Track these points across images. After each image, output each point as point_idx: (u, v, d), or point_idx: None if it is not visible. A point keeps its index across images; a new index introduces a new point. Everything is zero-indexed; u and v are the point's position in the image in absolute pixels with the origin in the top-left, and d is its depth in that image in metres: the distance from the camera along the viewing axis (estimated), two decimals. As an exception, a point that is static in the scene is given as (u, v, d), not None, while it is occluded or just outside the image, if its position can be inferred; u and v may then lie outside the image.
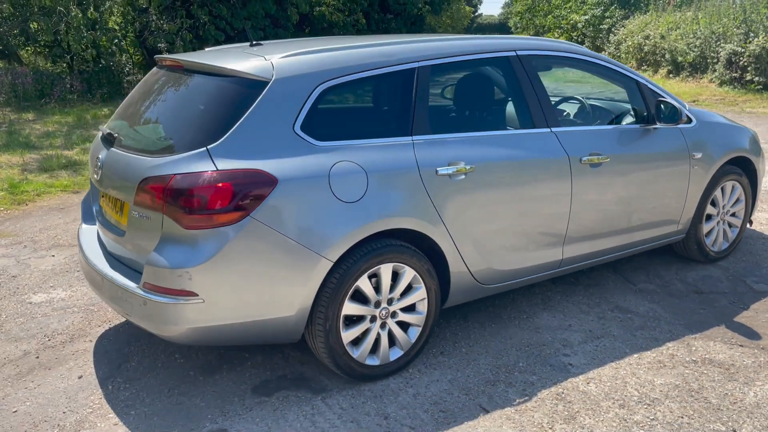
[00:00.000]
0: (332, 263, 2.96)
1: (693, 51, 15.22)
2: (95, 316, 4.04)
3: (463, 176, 3.30)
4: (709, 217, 4.63)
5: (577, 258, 3.93)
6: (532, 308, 4.07)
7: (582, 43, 23.16)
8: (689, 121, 4.26)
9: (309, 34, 17.34)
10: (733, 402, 3.05)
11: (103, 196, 3.36)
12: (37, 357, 3.60)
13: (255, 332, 2.97)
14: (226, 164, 2.80)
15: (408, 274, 3.22)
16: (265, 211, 2.82)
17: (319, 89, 3.05)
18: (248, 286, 2.87)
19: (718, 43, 14.37)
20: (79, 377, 3.38)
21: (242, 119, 2.88)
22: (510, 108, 3.76)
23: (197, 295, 2.79)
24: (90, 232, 3.63)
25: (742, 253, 4.96)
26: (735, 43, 13.71)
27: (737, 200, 4.77)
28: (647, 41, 17.20)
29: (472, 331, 3.77)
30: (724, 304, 4.12)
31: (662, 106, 4.06)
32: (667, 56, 16.28)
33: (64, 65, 14.56)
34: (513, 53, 3.69)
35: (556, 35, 28.76)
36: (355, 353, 3.16)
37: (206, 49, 3.93)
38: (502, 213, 3.48)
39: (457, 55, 3.51)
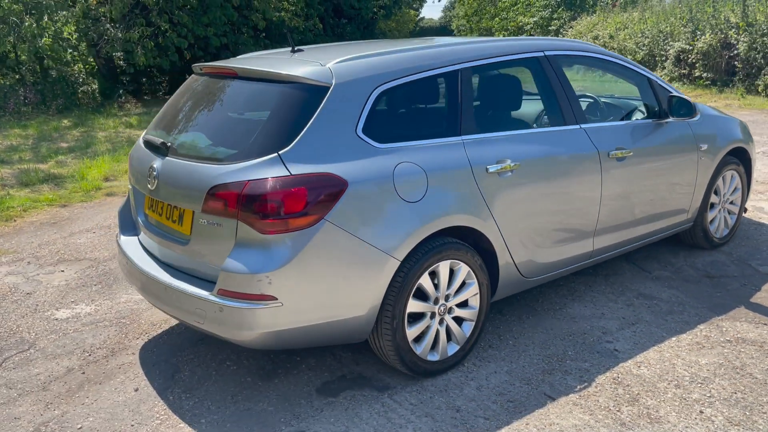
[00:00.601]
0: (399, 262, 3.03)
1: (642, 49, 15.82)
2: (130, 329, 3.99)
3: (510, 173, 3.42)
4: (712, 206, 4.88)
5: (606, 248, 4.10)
6: (562, 299, 4.21)
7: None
8: (695, 114, 4.50)
9: (266, 39, 17.25)
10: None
11: (151, 207, 3.34)
12: (83, 372, 3.53)
13: (327, 333, 3.01)
14: (298, 169, 2.84)
15: (463, 270, 3.31)
16: (338, 214, 2.87)
17: (376, 92, 3.12)
18: (323, 287, 2.91)
19: (667, 41, 14.98)
20: (136, 390, 3.34)
21: (309, 124, 2.92)
22: (543, 106, 3.89)
23: (276, 299, 2.81)
24: (132, 243, 3.59)
25: (740, 238, 5.24)
26: (683, 41, 14.32)
27: (735, 189, 5.04)
28: (596, 41, 17.76)
29: (513, 325, 3.88)
30: (737, 287, 4.36)
31: (676, 101, 4.27)
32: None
33: (16, 77, 14.09)
34: (542, 53, 3.83)
35: (504, 36, 29.30)
36: (418, 350, 3.23)
37: (246, 56, 3.94)
38: (543, 207, 3.61)
39: (494, 56, 3.63)
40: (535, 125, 3.86)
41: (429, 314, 3.25)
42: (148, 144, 3.45)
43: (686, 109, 4.25)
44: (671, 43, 14.65)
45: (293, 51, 3.55)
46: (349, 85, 3.07)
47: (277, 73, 3.12)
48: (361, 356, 3.54)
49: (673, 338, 3.67)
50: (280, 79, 3.11)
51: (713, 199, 4.85)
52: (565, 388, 3.20)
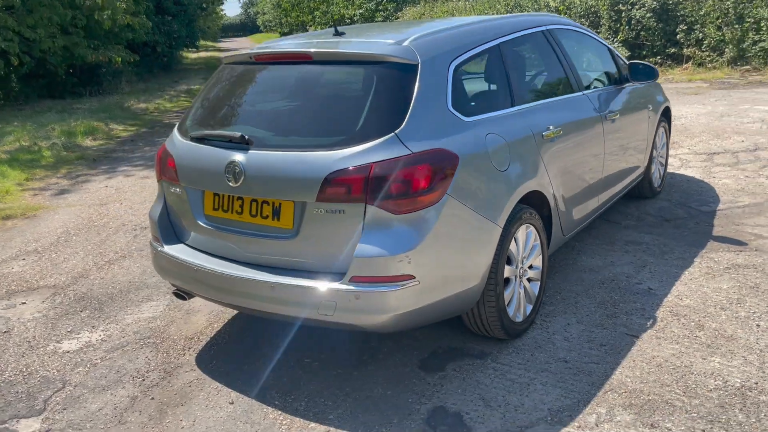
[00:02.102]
0: (501, 229, 3.15)
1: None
2: (166, 347, 3.69)
3: (556, 138, 3.67)
4: (651, 159, 5.53)
5: (604, 203, 4.52)
6: (570, 256, 4.57)
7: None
8: (658, 77, 5.06)
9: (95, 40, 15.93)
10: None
11: (223, 206, 3.12)
12: (152, 398, 3.23)
13: (448, 308, 3.05)
14: (416, 146, 2.84)
15: (533, 233, 3.50)
16: (455, 188, 2.92)
17: (452, 67, 3.19)
18: (451, 261, 2.95)
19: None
20: (231, 403, 3.13)
21: (413, 103, 2.93)
22: (558, 75, 4.18)
23: (414, 278, 2.81)
24: (185, 251, 3.32)
25: (668, 186, 5.98)
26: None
27: (663, 143, 5.75)
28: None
29: (548, 283, 4.15)
30: (694, 225, 5.00)
31: (642, 67, 4.79)
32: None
33: None
34: (545, 27, 4.12)
35: (319, 30, 29.59)
36: (510, 313, 3.37)
37: (278, 41, 3.74)
38: (575, 167, 3.92)
39: (520, 30, 3.84)
40: (560, 93, 4.12)
41: (513, 278, 3.40)
42: (209, 140, 3.20)
43: (650, 73, 4.78)
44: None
45: (336, 33, 3.48)
46: (432, 62, 3.11)
47: (364, 54, 3.07)
48: (435, 332, 3.60)
49: (685, 272, 4.16)
50: (366, 59, 3.07)
51: (654, 153, 5.50)
52: (638, 327, 3.53)
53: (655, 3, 13.00)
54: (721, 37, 12.79)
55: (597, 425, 2.75)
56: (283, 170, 2.93)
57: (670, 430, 2.69)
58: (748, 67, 12.34)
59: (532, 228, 3.47)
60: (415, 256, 2.79)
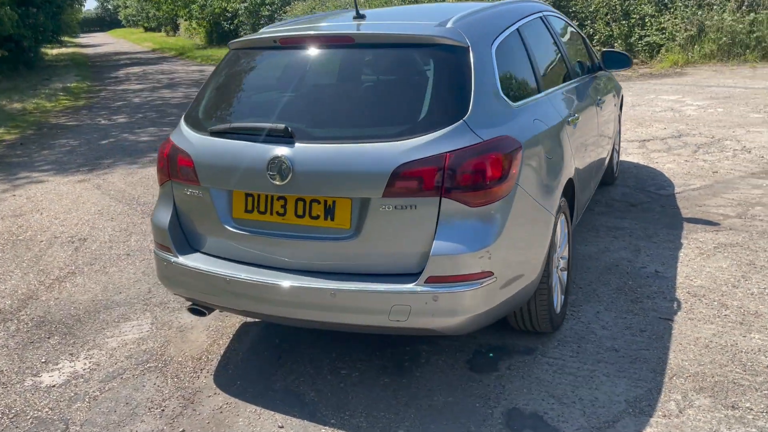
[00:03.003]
0: (554, 219, 3.05)
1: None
2: (174, 371, 3.28)
3: (575, 124, 3.62)
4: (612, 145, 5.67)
5: (593, 190, 4.55)
6: (561, 243, 4.55)
7: (238, 30, 23.42)
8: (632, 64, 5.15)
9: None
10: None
11: (258, 207, 2.79)
12: (183, 429, 2.84)
13: (513, 304, 2.90)
14: (484, 134, 2.67)
15: (565, 221, 3.43)
16: (522, 177, 2.78)
17: (494, 50, 3.04)
18: (521, 255, 2.81)
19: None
20: (281, 426, 2.81)
21: (473, 88, 2.74)
22: (560, 61, 4.12)
23: (493, 274, 2.64)
24: (209, 261, 2.95)
25: (621, 173, 6.18)
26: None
27: (617, 131, 5.92)
28: (320, 23, 18.39)
29: (554, 271, 4.10)
30: (660, 209, 5.17)
31: (616, 55, 4.86)
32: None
33: None
34: (542, 13, 4.06)
35: (194, 25, 28.40)
36: (554, 304, 3.28)
37: (299, 23, 3.39)
38: (583, 154, 3.89)
39: (529, 14, 3.75)
40: (566, 80, 4.06)
41: (554, 268, 3.31)
42: (238, 134, 2.84)
43: (625, 61, 4.87)
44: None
45: (358, 16, 3.21)
46: (479, 44, 2.94)
47: (415, 36, 2.84)
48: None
49: (680, 254, 4.26)
50: (415, 42, 2.84)
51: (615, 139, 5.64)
52: (666, 310, 3.55)
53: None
54: (610, 33, 13.52)
55: (680, 412, 2.71)
56: (340, 165, 2.64)
57: (751, 409, 2.70)
58: (636, 60, 13.12)
59: (562, 216, 3.39)
60: (494, 250, 2.62)
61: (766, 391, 2.81)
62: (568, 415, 2.74)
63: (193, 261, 2.96)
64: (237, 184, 2.84)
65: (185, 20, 30.46)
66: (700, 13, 12.82)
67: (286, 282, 2.72)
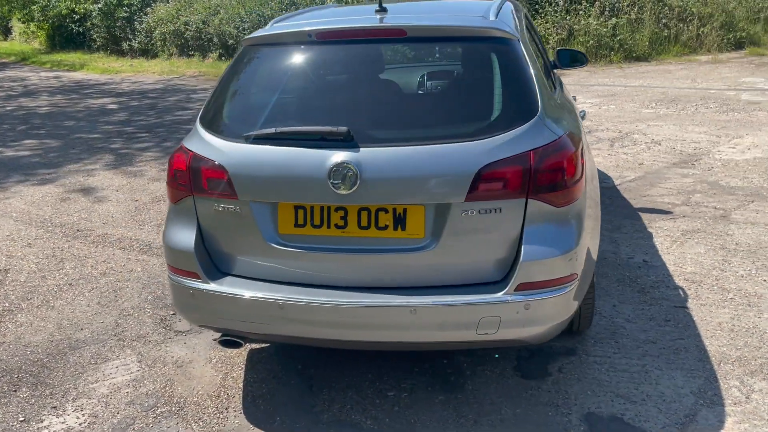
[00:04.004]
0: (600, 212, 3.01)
1: (244, 33, 16.27)
2: (194, 415, 2.88)
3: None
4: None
5: None
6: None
7: (90, 32, 21.72)
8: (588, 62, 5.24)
9: None
10: (737, 241, 4.26)
11: (312, 221, 2.50)
12: (240, 481, 2.48)
13: (579, 304, 2.80)
14: (557, 130, 2.56)
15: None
16: (587, 172, 2.71)
17: (526, 44, 2.95)
18: (591, 254, 2.72)
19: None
20: (354, 463, 2.53)
21: (535, 82, 2.63)
22: (543, 57, 4.08)
23: (577, 276, 2.54)
24: (249, 286, 2.60)
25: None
26: (289, 21, 15.32)
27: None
28: (188, 27, 17.49)
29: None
30: (609, 201, 5.36)
31: (570, 53, 4.93)
32: (215, 40, 16.98)
33: None
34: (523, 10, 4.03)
35: (33, 28, 26.21)
36: (585, 302, 3.24)
37: (323, 17, 3.06)
38: None
39: (521, 11, 3.69)
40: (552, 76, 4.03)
41: None
42: (283, 140, 2.51)
43: (582, 59, 4.96)
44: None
45: (381, 9, 2.97)
46: (523, 38, 2.83)
47: (470, 29, 2.67)
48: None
49: (655, 242, 4.42)
50: (470, 35, 2.67)
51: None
52: (676, 298, 3.64)
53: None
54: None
55: (747, 399, 2.76)
56: (415, 169, 2.41)
57: (805, 387, 2.80)
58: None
59: None
60: (578, 251, 2.52)
61: (809, 368, 2.93)
62: (646, 413, 2.70)
63: (230, 286, 2.59)
64: (285, 196, 2.52)
65: (23, 23, 27.81)
66: (568, 17, 13.63)
67: (357, 301, 2.44)
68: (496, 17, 2.83)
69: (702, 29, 13.35)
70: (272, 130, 2.51)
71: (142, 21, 19.44)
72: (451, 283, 2.49)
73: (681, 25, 13.42)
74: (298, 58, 2.76)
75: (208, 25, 17.11)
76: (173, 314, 3.77)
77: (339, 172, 2.40)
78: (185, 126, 8.87)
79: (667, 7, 13.57)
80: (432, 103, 2.63)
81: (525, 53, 2.68)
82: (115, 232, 5.11)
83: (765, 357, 3.03)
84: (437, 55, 2.73)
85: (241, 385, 3.05)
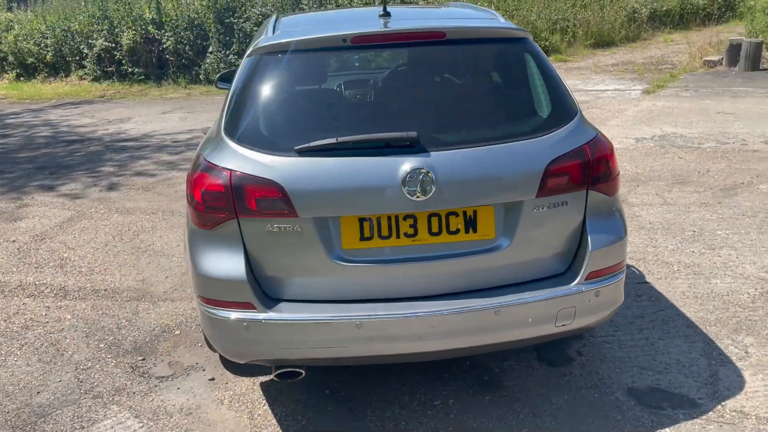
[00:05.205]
0: None
1: (48, 51, 14.84)
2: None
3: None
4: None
5: None
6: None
7: None
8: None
9: None
10: (649, 221, 4.77)
11: (375, 233, 2.41)
12: None
13: None
14: (591, 126, 2.72)
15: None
16: None
17: None
18: None
19: (82, 40, 14.51)
20: (447, 477, 2.47)
21: (559, 80, 2.76)
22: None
23: (625, 261, 2.70)
24: (311, 309, 2.43)
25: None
26: (104, 39, 14.21)
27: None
28: (-24, 46, 15.53)
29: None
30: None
31: None
32: (11, 59, 15.29)
33: None
34: None
35: None
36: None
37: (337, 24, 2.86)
38: None
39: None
40: None
41: None
42: (347, 149, 2.37)
43: None
44: (90, 42, 14.31)
45: (385, 13, 2.91)
46: (530, 40, 2.96)
47: (502, 30, 2.73)
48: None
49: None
50: (504, 36, 2.74)
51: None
52: (633, 275, 3.97)
53: (261, 17, 13.57)
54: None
55: (747, 353, 3.11)
56: (486, 169, 2.41)
57: (782, 336, 3.23)
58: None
59: None
60: (626, 238, 2.68)
61: (775, 319, 3.37)
62: (676, 380, 2.93)
63: (293, 312, 2.39)
64: (350, 209, 2.37)
65: None
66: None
67: (440, 310, 2.38)
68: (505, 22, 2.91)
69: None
70: (333, 140, 2.36)
71: None
72: (522, 280, 2.52)
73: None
74: (333, 63, 2.62)
75: (1, 42, 15.38)
76: (142, 360, 3.36)
77: (414, 178, 2.32)
78: (12, 156, 7.83)
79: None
80: (485, 104, 2.64)
81: (540, 55, 2.79)
82: (9, 279, 4.40)
83: (737, 316, 3.42)
84: (478, 56, 2.73)
85: (274, 421, 2.81)
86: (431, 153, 2.36)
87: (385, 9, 2.86)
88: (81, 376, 3.24)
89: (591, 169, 2.51)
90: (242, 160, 2.41)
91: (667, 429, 2.64)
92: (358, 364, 2.56)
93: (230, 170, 2.40)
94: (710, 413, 2.71)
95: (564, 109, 2.60)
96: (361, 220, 2.39)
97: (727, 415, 2.69)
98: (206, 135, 2.98)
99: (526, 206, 2.44)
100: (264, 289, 2.45)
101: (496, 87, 2.75)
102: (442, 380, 3.02)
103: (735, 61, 11.48)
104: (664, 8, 16.95)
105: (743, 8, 17.53)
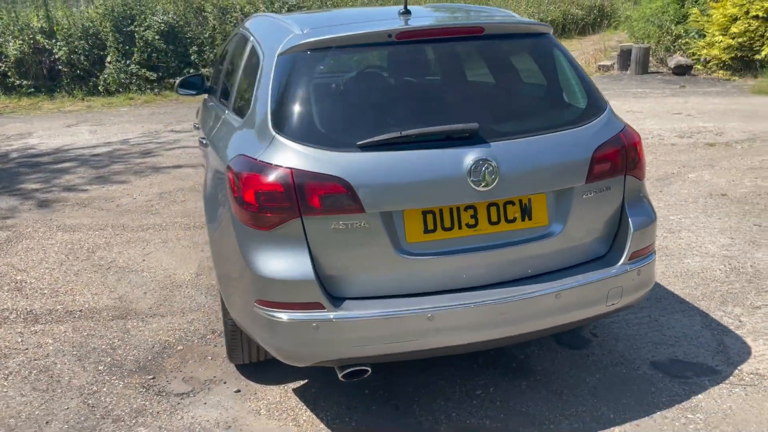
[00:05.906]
0: None
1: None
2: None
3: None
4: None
5: None
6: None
7: None
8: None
9: None
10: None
11: (438, 225, 2.44)
12: None
13: None
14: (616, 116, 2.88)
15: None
16: None
17: None
18: None
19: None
20: (518, 460, 2.53)
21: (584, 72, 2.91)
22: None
23: (654, 241, 2.88)
24: (381, 305, 2.42)
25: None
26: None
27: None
28: None
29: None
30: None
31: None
32: None
33: None
34: None
35: None
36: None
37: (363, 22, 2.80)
38: None
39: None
40: None
41: None
42: (408, 143, 2.37)
43: None
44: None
45: (403, 12, 2.94)
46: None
47: (531, 27, 2.83)
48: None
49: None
50: (533, 32, 2.84)
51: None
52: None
53: (163, 25, 13.08)
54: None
55: (741, 322, 3.38)
56: (542, 158, 2.50)
57: (762, 306, 3.53)
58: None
59: None
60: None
61: (753, 286, 3.68)
62: (690, 351, 3.14)
63: (363, 309, 2.36)
64: (415, 202, 2.38)
65: None
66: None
67: (507, 297, 2.43)
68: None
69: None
70: (397, 134, 2.35)
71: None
72: (573, 263, 2.62)
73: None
74: (381, 59, 2.61)
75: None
76: (152, 378, 3.17)
77: (479, 168, 2.37)
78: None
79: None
80: (530, 96, 2.73)
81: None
82: (-38, 307, 4.00)
83: (719, 290, 3.71)
84: (515, 50, 2.81)
85: (322, 426, 2.74)
86: (491, 144, 2.41)
87: (405, 7, 2.88)
88: (90, 401, 3.01)
89: (627, 154, 2.65)
90: (300, 157, 2.35)
91: (700, 395, 2.82)
92: (426, 357, 2.56)
93: (291, 168, 2.33)
94: (731, 378, 2.92)
95: (597, 99, 2.74)
96: (425, 212, 2.40)
97: (746, 378, 2.91)
98: (223, 133, 2.89)
99: (576, 192, 2.55)
100: (326, 288, 2.40)
101: (535, 79, 2.84)
102: (474, 370, 3.07)
103: (626, 65, 12.37)
104: (549, 18, 17.94)
105: (618, 18, 18.98)
